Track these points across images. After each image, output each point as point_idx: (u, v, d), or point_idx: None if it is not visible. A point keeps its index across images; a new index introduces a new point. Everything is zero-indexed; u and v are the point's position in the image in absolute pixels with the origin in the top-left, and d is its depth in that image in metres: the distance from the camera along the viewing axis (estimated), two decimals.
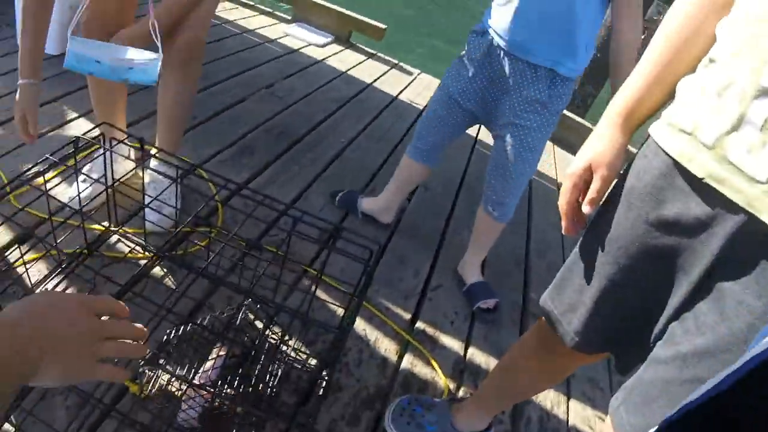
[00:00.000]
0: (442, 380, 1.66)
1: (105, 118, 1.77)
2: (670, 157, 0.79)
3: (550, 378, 1.26)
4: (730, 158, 0.70)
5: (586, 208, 0.90)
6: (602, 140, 0.91)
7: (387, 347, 1.68)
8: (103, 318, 0.65)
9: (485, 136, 3.26)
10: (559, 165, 3.55)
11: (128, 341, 0.68)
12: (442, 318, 1.87)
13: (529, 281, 2.23)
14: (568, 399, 1.80)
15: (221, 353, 1.28)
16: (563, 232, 0.96)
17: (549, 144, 3.36)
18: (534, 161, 1.77)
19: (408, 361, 1.67)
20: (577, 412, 1.76)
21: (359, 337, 1.68)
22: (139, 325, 0.69)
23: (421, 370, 1.67)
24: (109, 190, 1.21)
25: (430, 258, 2.13)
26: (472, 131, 3.26)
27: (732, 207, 0.71)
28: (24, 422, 1.10)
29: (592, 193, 0.89)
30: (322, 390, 1.00)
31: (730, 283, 0.72)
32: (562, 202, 0.94)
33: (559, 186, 3.13)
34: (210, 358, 1.26)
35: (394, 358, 1.67)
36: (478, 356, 1.80)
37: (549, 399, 1.76)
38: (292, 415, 1.41)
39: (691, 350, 0.75)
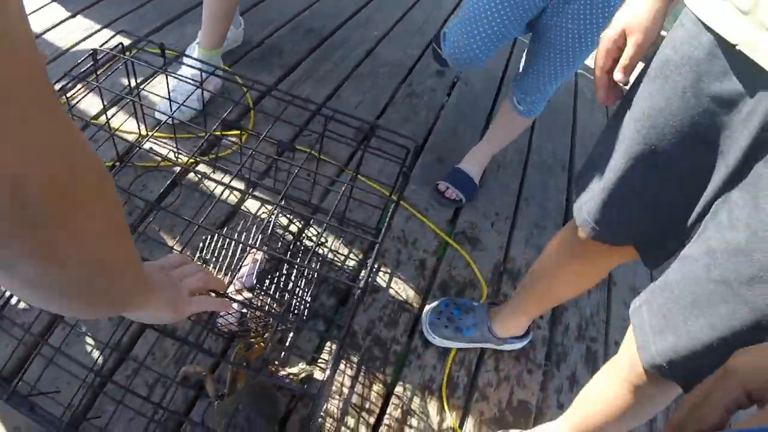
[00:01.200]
0: (481, 283, 1.63)
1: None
2: (707, 25, 0.71)
3: (585, 279, 1.20)
4: (767, 24, 0.62)
5: (618, 75, 0.82)
6: (639, 3, 0.81)
7: (425, 248, 1.65)
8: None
9: None
10: None
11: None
12: (482, 218, 1.82)
13: (573, 184, 2.14)
14: (608, 307, 1.76)
15: (256, 257, 1.27)
16: (598, 101, 0.88)
17: None
18: (577, 63, 1.56)
19: (446, 263, 1.65)
20: (617, 320, 1.73)
21: (397, 238, 1.64)
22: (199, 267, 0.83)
23: (460, 272, 1.64)
24: (134, 99, 1.15)
25: None
26: None
27: None
28: (68, 336, 1.12)
29: (624, 59, 0.81)
30: (359, 292, 0.97)
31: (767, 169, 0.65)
32: (597, 69, 0.86)
33: None
34: (245, 264, 1.24)
35: (432, 259, 1.64)
36: (518, 259, 1.75)
37: (589, 306, 1.73)
38: (330, 318, 1.41)
39: (722, 246, 0.68)
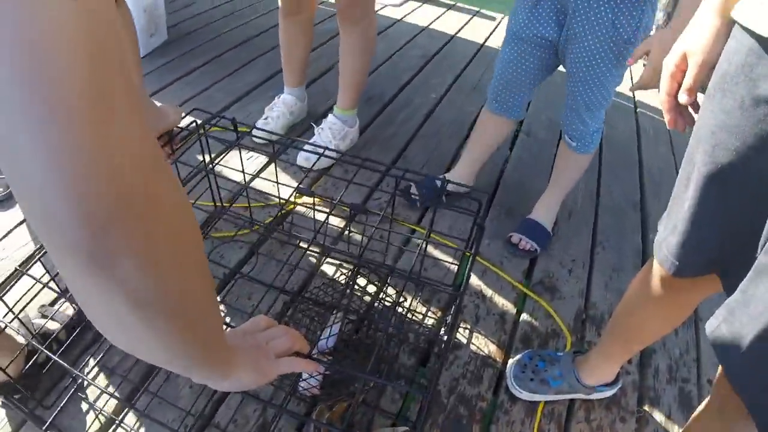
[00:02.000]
0: (564, 332, 1.59)
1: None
2: (750, 30, 0.70)
3: (670, 317, 1.15)
4: None
5: (682, 97, 0.82)
6: (698, 26, 0.82)
7: (504, 302, 1.63)
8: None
9: None
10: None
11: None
12: (558, 267, 1.78)
13: (647, 223, 2.08)
14: (698, 345, 1.67)
15: (337, 321, 1.29)
16: (668, 125, 0.89)
17: None
18: (603, 84, 1.58)
19: (527, 315, 1.61)
20: (708, 357, 1.63)
21: (475, 293, 1.63)
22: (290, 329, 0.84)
23: (542, 323, 1.60)
24: (210, 174, 1.23)
25: None
26: None
27: None
28: (149, 405, 1.15)
29: (687, 80, 0.82)
30: (441, 349, 0.97)
31: None
32: (661, 93, 0.87)
33: None
34: (326, 326, 1.27)
35: (512, 312, 1.61)
36: (600, 304, 1.70)
37: (678, 346, 1.65)
38: (411, 377, 1.40)
39: None
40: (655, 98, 3.12)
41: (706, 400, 0.96)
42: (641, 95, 3.08)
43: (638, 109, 2.97)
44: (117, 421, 0.98)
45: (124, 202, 0.34)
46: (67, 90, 0.29)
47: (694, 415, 1.01)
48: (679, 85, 0.84)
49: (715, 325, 0.80)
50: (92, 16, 0.29)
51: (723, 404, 0.84)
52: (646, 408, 1.49)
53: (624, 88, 2.40)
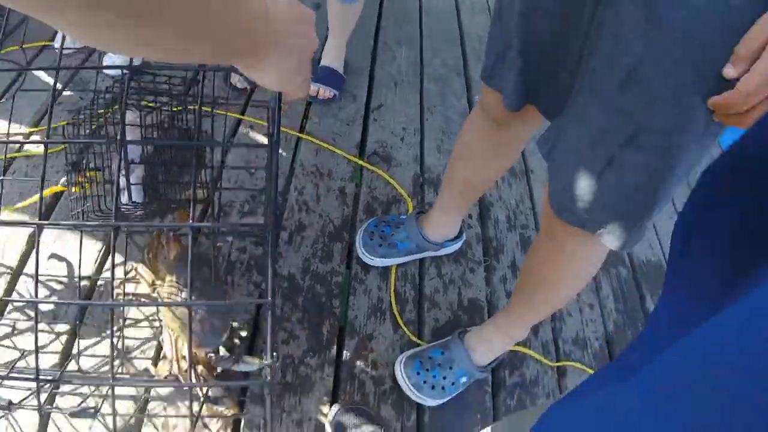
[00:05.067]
0: (404, 197, 1.60)
1: None
2: None
3: (498, 157, 1.20)
4: None
5: None
6: None
7: (342, 177, 1.59)
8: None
9: None
10: None
11: None
12: (390, 136, 1.77)
13: (470, 87, 2.12)
14: (531, 195, 1.79)
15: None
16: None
17: None
18: None
19: (366, 187, 1.60)
20: (541, 204, 1.75)
21: (311, 173, 1.57)
22: None
23: (381, 192, 1.60)
24: None
25: (366, 78, 1.97)
26: None
27: None
28: None
29: None
30: None
31: None
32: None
33: None
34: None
35: (351, 185, 1.58)
36: (434, 167, 1.73)
37: (513, 198, 1.75)
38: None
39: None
40: None
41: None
42: None
43: None
44: None
45: None
46: None
47: (530, 247, 1.07)
48: None
49: (546, 151, 0.83)
50: None
51: (550, 223, 0.89)
52: (491, 256, 1.57)
53: None
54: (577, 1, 0.70)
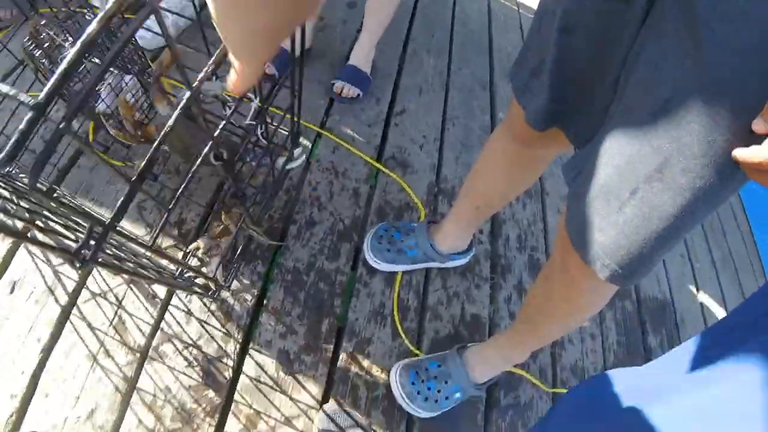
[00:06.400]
0: (417, 205, 1.59)
1: None
2: None
3: (516, 176, 1.18)
4: None
5: None
6: None
7: (357, 177, 1.58)
8: None
9: None
10: None
11: None
12: (409, 143, 1.76)
13: (495, 102, 2.11)
14: (545, 217, 1.77)
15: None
16: None
17: None
18: None
19: (380, 190, 1.58)
20: (553, 227, 1.74)
21: (327, 170, 1.56)
22: None
23: (395, 197, 1.59)
24: None
25: (391, 83, 1.95)
26: None
27: None
28: None
29: None
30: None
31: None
32: None
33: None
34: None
35: (365, 187, 1.57)
36: (450, 178, 1.72)
37: (525, 218, 1.73)
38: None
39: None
40: None
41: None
42: None
43: None
44: None
45: None
46: None
47: (540, 273, 1.04)
48: None
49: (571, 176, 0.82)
50: None
51: (563, 256, 0.87)
52: (498, 274, 1.55)
53: None
54: (619, 20, 0.69)
